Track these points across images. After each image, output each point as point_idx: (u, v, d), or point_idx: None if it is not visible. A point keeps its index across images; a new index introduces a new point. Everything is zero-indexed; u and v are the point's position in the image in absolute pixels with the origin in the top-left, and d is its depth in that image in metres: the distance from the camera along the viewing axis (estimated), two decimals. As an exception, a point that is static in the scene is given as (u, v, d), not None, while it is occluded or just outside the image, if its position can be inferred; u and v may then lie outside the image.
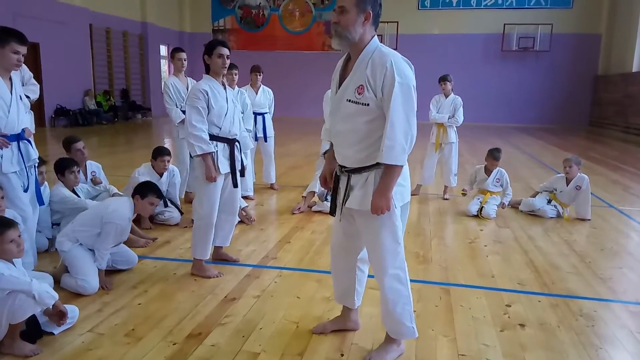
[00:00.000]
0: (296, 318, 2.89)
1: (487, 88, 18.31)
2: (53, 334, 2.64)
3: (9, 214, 2.98)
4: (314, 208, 5.35)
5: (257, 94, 6.15)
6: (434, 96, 6.26)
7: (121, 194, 4.44)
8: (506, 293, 3.33)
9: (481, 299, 3.22)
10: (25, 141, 3.20)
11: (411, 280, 2.50)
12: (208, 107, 3.38)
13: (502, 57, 18.61)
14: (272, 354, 2.50)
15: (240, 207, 4.12)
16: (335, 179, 2.46)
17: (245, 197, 5.38)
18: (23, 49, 3.12)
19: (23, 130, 3.18)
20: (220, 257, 3.79)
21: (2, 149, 3.03)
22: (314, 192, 5.35)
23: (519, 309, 3.08)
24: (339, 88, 2.33)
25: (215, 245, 3.72)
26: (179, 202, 4.99)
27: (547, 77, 18.42)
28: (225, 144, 3.48)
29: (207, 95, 3.37)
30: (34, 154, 3.26)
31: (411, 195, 2.52)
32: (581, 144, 12.98)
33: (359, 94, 2.21)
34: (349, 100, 2.25)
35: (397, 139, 2.15)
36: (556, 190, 5.46)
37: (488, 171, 5.54)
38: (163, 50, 19.79)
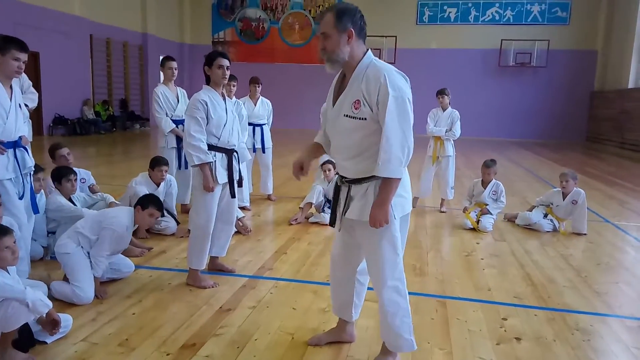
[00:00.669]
0: (292, 329, 2.87)
1: (484, 102, 18.40)
2: (46, 343, 2.62)
3: (5, 221, 2.97)
4: (311, 219, 5.35)
5: (255, 105, 6.18)
6: (432, 109, 6.30)
7: (118, 202, 4.43)
8: (502, 306, 3.32)
9: (477, 312, 3.21)
10: (22, 149, 3.20)
11: (408, 293, 2.49)
12: (207, 118, 3.39)
13: (500, 72, 18.75)
14: (267, 366, 2.48)
15: (236, 217, 4.12)
16: (335, 190, 2.47)
17: (241, 208, 5.37)
18: (24, 57, 3.13)
19: (20, 137, 3.18)
20: (216, 268, 3.77)
21: (-1, 155, 3.03)
22: (312, 203, 5.35)
23: (515, 323, 3.07)
24: (334, 103, 2.35)
25: (211, 256, 3.72)
26: (175, 212, 4.98)
27: (544, 93, 18.55)
28: (224, 154, 3.49)
29: (207, 105, 3.39)
30: (30, 161, 3.26)
31: (411, 207, 2.52)
32: (578, 159, 13.04)
33: (355, 108, 2.23)
34: (346, 116, 2.27)
35: (393, 152, 2.16)
36: (552, 204, 5.48)
37: (485, 184, 5.56)
38: (163, 61, 19.87)
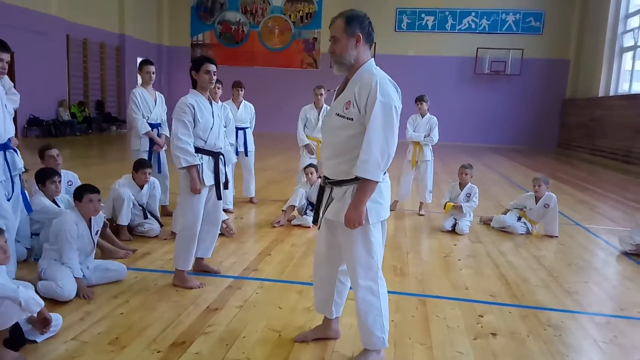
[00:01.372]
0: (278, 327, 2.96)
1: (460, 109, 18.78)
2: (36, 342, 2.65)
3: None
4: (294, 222, 5.45)
5: (238, 108, 6.25)
6: (411, 116, 6.47)
7: (102, 204, 4.44)
8: (479, 304, 3.47)
9: (455, 309, 3.36)
10: (11, 150, 3.21)
11: (389, 292, 2.61)
12: (194, 121, 3.46)
13: (475, 79, 19.18)
14: (256, 362, 2.57)
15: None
16: (320, 190, 2.58)
17: (225, 210, 5.42)
18: (6, 57, 3.16)
19: (9, 139, 3.20)
20: (201, 269, 3.83)
21: (-13, 158, 3.05)
22: (294, 206, 5.45)
23: (491, 319, 3.23)
24: (334, 102, 2.50)
25: (196, 257, 3.77)
26: (158, 215, 5.01)
27: (518, 100, 19.05)
28: (210, 157, 3.57)
29: (194, 109, 3.46)
30: (20, 163, 3.28)
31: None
32: (550, 165, 13.44)
33: (346, 109, 2.37)
34: (337, 114, 2.41)
35: (372, 154, 2.27)
36: (526, 207, 5.69)
37: (462, 187, 5.74)
38: (141, 62, 19.71)
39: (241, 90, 6.28)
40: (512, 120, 19.07)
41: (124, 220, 4.56)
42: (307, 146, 6.23)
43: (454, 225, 5.50)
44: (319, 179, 5.55)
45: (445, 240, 5.18)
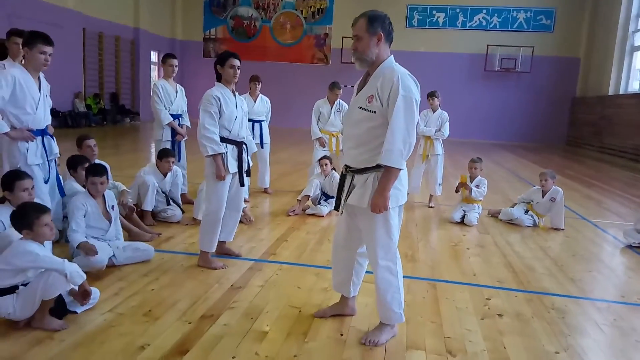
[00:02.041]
0: (298, 304, 3.18)
1: (469, 106, 18.88)
2: (76, 312, 2.87)
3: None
4: (308, 211, 5.66)
5: (255, 102, 6.46)
6: (422, 111, 6.63)
7: (129, 190, 4.68)
8: (486, 289, 3.67)
9: (464, 293, 3.56)
10: (49, 136, 3.45)
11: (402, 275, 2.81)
12: (220, 112, 3.67)
13: (485, 76, 19.27)
14: (279, 333, 2.78)
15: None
16: (341, 178, 2.79)
17: (242, 199, 5.65)
18: (49, 49, 3.38)
19: (47, 126, 3.43)
20: (223, 252, 4.05)
21: (28, 142, 3.28)
22: (309, 195, 5.65)
23: (497, 302, 3.42)
24: (356, 96, 2.68)
25: (219, 240, 3.98)
26: (180, 202, 5.23)
27: (528, 97, 19.12)
28: (234, 146, 3.78)
29: (220, 101, 3.67)
30: (56, 148, 3.52)
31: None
32: (558, 162, 13.54)
33: (368, 102, 2.56)
34: (360, 108, 2.60)
35: (395, 144, 2.47)
36: (533, 201, 5.86)
37: (472, 180, 5.91)
38: (154, 56, 19.98)
39: (258, 84, 6.49)
40: (522, 117, 19.15)
41: (148, 206, 4.79)
42: (319, 139, 6.42)
43: (463, 217, 5.69)
44: (333, 170, 5.81)
45: (454, 231, 5.37)
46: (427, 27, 19.38)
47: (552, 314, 3.29)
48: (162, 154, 5.03)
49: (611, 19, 16.49)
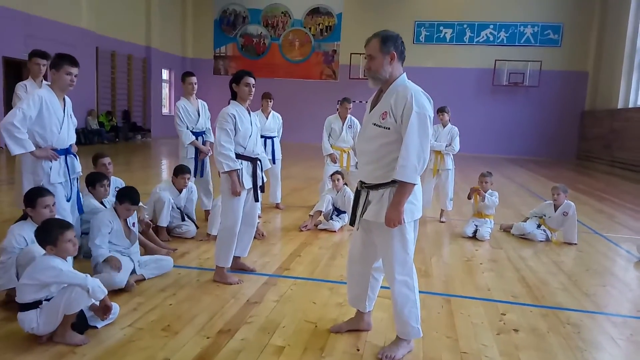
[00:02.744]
0: (314, 319, 3.21)
1: (478, 120, 18.93)
2: (97, 327, 2.93)
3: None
4: (320, 226, 5.70)
5: (267, 118, 6.56)
6: (433, 126, 6.66)
7: (145, 206, 4.75)
8: (501, 304, 3.67)
9: (479, 308, 3.56)
10: (72, 155, 3.54)
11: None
12: (235, 129, 3.75)
13: (493, 91, 19.34)
14: (296, 348, 2.81)
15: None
16: (356, 194, 2.83)
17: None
18: (75, 71, 3.49)
19: (70, 145, 3.52)
20: (238, 267, 4.10)
21: (52, 161, 3.37)
22: (321, 211, 5.70)
23: (512, 317, 3.43)
24: (369, 113, 2.74)
25: (234, 256, 4.03)
26: (194, 217, 5.30)
27: (536, 112, 19.14)
28: (249, 162, 3.85)
29: (235, 118, 3.75)
30: (78, 167, 3.61)
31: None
32: (569, 176, 13.49)
33: (382, 119, 2.62)
34: (374, 124, 2.66)
35: (410, 160, 2.52)
36: (545, 215, 5.86)
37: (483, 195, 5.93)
38: (165, 74, 20.33)
39: (270, 101, 6.59)
40: (531, 131, 19.15)
41: (163, 222, 4.86)
42: (331, 155, 6.48)
43: (475, 232, 5.70)
44: (345, 186, 5.85)
45: (466, 246, 5.38)
46: (434, 42, 19.55)
47: (567, 329, 3.29)
48: (178, 171, 5.11)
49: (619, 33, 16.54)
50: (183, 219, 5.09)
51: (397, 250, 2.68)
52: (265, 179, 4.07)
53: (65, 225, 2.82)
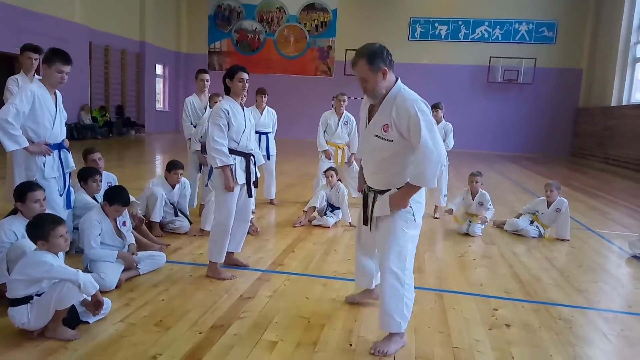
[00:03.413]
0: (307, 314, 3.21)
1: (473, 117, 18.94)
2: (88, 323, 2.91)
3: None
4: (314, 222, 5.69)
5: (261, 114, 6.53)
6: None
7: (137, 202, 4.73)
8: (493, 299, 3.69)
9: (471, 303, 3.58)
10: (65, 150, 3.51)
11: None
12: (228, 125, 3.73)
13: (488, 88, 19.36)
14: (289, 343, 2.81)
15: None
16: (364, 196, 2.92)
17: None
18: (67, 69, 3.46)
19: (63, 140, 3.50)
20: (231, 262, 4.09)
21: (46, 156, 3.35)
22: (315, 207, 5.69)
23: (505, 313, 3.44)
24: (367, 123, 2.77)
25: (227, 251, 4.02)
26: (188, 213, 5.28)
27: (531, 109, 19.19)
28: (242, 158, 3.83)
29: (228, 114, 3.73)
30: (71, 161, 3.58)
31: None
32: (563, 173, 13.56)
33: (384, 131, 2.64)
34: (376, 136, 2.69)
35: (429, 167, 2.55)
36: (538, 212, 5.88)
37: (473, 195, 5.92)
38: (159, 69, 20.22)
39: (264, 97, 6.57)
40: (525, 128, 19.20)
41: (156, 217, 4.84)
42: (325, 152, 6.48)
43: (468, 228, 5.71)
44: (339, 182, 5.85)
45: (460, 242, 5.39)
46: (429, 39, 19.52)
47: (559, 324, 3.30)
48: (171, 166, 5.09)
49: (613, 30, 16.59)
50: (176, 215, 5.07)
51: (395, 241, 2.72)
52: (259, 175, 4.06)
53: (57, 220, 2.80)
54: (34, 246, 2.81)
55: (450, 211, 5.94)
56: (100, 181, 4.41)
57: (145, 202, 4.90)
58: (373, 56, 2.58)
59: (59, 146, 3.45)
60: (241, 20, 20.75)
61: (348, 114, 6.51)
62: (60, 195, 3.52)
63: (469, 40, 19.32)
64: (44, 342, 2.69)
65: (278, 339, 2.85)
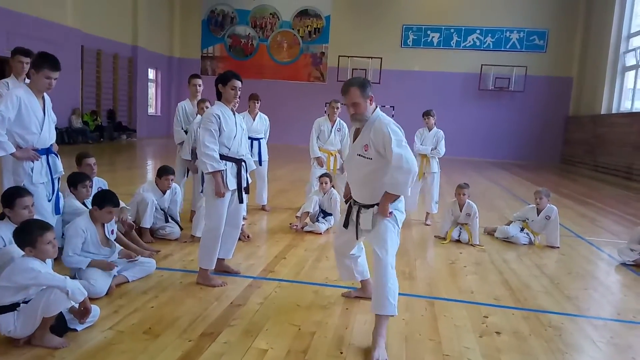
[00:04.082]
0: (298, 322, 3.19)
1: (464, 124, 19.04)
2: (76, 330, 2.88)
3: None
4: (306, 228, 5.68)
5: (254, 120, 6.52)
6: (418, 129, 6.73)
7: (128, 207, 4.70)
8: (484, 306, 3.70)
9: (462, 310, 3.58)
10: (54, 155, 3.48)
11: (399, 294, 2.97)
12: (220, 130, 3.72)
13: (479, 95, 19.51)
14: (279, 351, 2.79)
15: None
16: (349, 206, 3.29)
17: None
18: (55, 75, 3.43)
19: (51, 145, 3.47)
20: (222, 269, 4.07)
21: (33, 162, 3.32)
22: (309, 212, 5.69)
23: (495, 320, 3.45)
24: (353, 143, 3.16)
25: (218, 258, 4.00)
26: (179, 219, 5.25)
27: (521, 116, 19.35)
28: (233, 163, 3.82)
29: (219, 119, 3.72)
30: (60, 166, 3.55)
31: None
32: (553, 180, 13.65)
33: (365, 150, 3.05)
34: (359, 155, 3.08)
35: (400, 178, 2.90)
36: (528, 219, 5.91)
37: (461, 206, 5.88)
38: (151, 73, 20.16)
39: (257, 103, 6.57)
40: (516, 136, 19.36)
41: (147, 223, 4.81)
42: (318, 159, 6.46)
43: (459, 235, 5.72)
44: (332, 188, 5.85)
45: (451, 249, 5.40)
46: (422, 46, 19.65)
47: (549, 331, 3.32)
48: (162, 172, 5.06)
49: (603, 39, 16.80)
50: (167, 220, 5.04)
51: (389, 240, 3.00)
52: (250, 181, 4.05)
53: (45, 226, 2.78)
54: (22, 252, 2.78)
55: (443, 239, 5.84)
56: (91, 187, 4.37)
57: (136, 208, 4.86)
58: (363, 85, 3.05)
59: (47, 151, 3.42)
60: (234, 26, 20.77)
61: (341, 120, 6.52)
62: (49, 200, 3.48)
63: (461, 47, 19.47)
64: (31, 350, 2.65)
65: (268, 347, 2.83)
